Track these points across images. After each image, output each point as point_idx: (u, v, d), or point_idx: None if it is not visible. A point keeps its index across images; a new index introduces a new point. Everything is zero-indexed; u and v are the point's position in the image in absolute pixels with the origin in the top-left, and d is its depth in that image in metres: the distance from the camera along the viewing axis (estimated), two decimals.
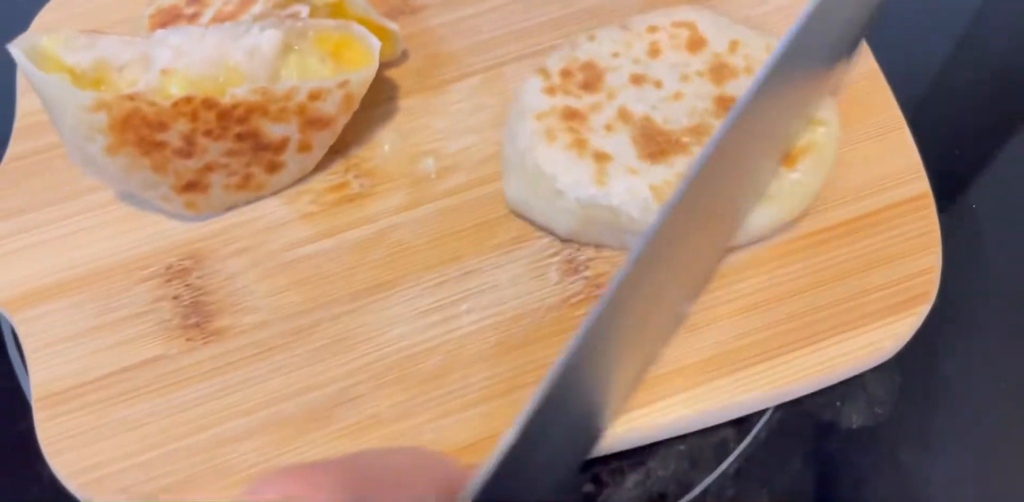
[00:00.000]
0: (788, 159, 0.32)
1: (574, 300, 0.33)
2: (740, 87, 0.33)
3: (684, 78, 0.34)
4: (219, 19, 0.36)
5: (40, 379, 0.33)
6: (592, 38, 0.36)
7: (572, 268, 0.34)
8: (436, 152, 0.37)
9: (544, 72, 0.35)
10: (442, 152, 0.37)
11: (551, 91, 0.34)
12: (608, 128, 0.33)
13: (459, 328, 0.33)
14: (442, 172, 0.37)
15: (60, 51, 0.32)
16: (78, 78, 0.33)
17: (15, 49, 0.32)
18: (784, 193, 0.32)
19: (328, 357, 0.33)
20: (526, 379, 0.31)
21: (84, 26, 0.41)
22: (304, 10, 0.36)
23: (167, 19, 0.36)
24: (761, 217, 0.32)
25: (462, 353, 0.32)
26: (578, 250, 0.34)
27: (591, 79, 0.35)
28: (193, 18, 0.36)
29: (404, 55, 0.40)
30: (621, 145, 0.33)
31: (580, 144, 0.33)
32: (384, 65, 0.39)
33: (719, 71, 0.34)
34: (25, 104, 0.40)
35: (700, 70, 0.34)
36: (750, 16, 0.39)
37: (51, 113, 0.33)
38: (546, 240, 0.34)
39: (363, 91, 0.35)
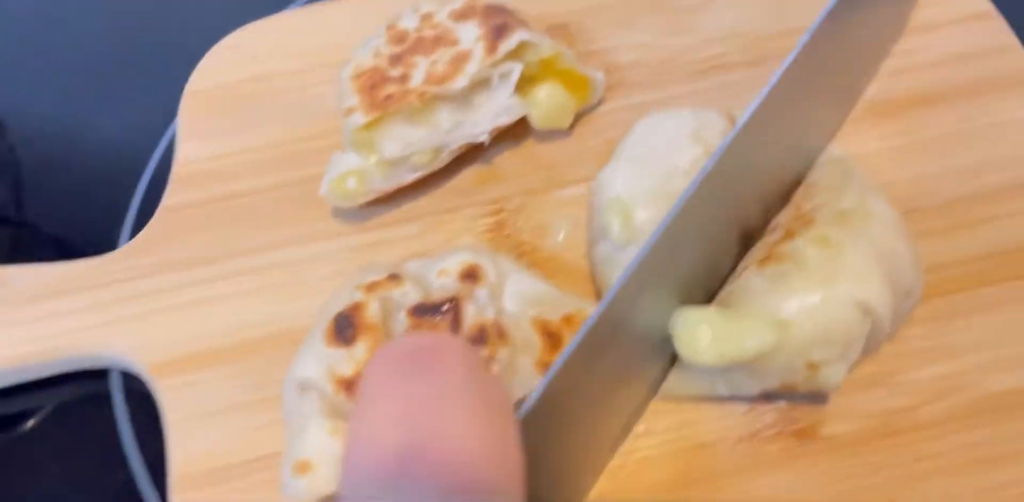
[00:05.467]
0: None
1: (766, 433, 0.30)
2: None
3: None
4: (432, 81, 0.34)
5: (181, 456, 0.31)
6: None
7: (764, 396, 0.31)
8: None
9: None
10: None
11: None
12: None
13: (636, 452, 0.30)
14: None
15: None
16: None
17: None
18: None
19: None
20: None
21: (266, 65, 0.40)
22: (518, 68, 0.34)
23: (374, 81, 0.34)
24: None
25: (639, 481, 0.30)
26: None
27: None
28: (403, 80, 0.34)
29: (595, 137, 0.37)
30: None
31: None
32: (570, 142, 0.37)
33: None
34: (184, 152, 0.38)
35: None
36: None
37: None
38: None
39: None
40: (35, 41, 0.47)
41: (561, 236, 0.35)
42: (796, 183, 0.32)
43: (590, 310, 0.31)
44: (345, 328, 0.30)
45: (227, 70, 0.41)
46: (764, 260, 0.29)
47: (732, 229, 0.30)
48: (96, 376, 0.35)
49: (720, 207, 0.27)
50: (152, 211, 0.37)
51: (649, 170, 0.31)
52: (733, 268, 0.31)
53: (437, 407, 0.16)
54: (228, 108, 0.39)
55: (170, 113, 0.40)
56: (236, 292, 0.35)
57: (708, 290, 0.30)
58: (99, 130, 0.42)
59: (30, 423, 0.35)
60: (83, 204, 0.41)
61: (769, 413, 0.31)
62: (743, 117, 0.27)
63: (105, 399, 0.35)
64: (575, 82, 0.36)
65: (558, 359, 0.22)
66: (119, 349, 0.34)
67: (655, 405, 0.31)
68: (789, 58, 0.27)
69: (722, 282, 0.31)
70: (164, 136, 0.41)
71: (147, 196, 0.40)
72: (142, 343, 0.34)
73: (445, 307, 0.30)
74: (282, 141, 0.38)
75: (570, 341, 0.26)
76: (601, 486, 0.29)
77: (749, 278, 0.29)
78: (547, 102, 0.36)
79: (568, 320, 0.31)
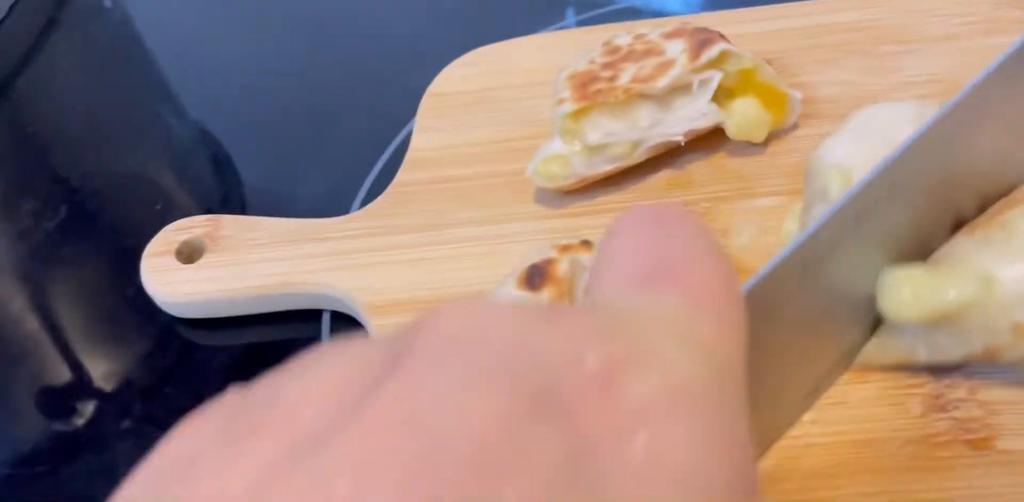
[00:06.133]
0: None
1: (937, 440, 0.30)
2: None
3: None
4: (637, 81, 0.38)
5: None
6: None
7: (939, 405, 0.31)
8: None
9: None
10: None
11: None
12: None
13: (805, 436, 0.31)
14: None
15: None
16: None
17: None
18: None
19: None
20: None
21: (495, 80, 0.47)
22: (717, 76, 0.38)
23: (586, 80, 0.40)
24: None
25: (799, 463, 0.31)
26: (948, 387, 0.32)
27: None
28: (612, 80, 0.39)
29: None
30: None
31: None
32: (762, 158, 0.41)
33: None
34: (417, 141, 0.45)
35: None
36: None
37: None
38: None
39: None
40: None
41: (745, 238, 0.38)
42: (1011, 187, 0.33)
43: None
44: (535, 276, 0.34)
45: (461, 80, 0.48)
46: (972, 227, 0.30)
47: (945, 210, 0.30)
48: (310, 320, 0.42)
49: (934, 180, 0.29)
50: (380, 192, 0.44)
51: (870, 143, 0.33)
52: None
53: (683, 247, 0.17)
54: (457, 110, 0.46)
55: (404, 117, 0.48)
56: (447, 256, 0.40)
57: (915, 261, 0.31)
58: (338, 132, 0.51)
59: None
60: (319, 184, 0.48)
61: (943, 420, 0.31)
62: (967, 87, 0.27)
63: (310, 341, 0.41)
64: (773, 99, 0.40)
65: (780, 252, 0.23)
66: (344, 288, 0.39)
67: (826, 398, 0.32)
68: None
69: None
70: (400, 133, 0.49)
71: (377, 180, 0.47)
72: (365, 286, 0.39)
73: None
74: (497, 140, 0.45)
75: None
76: (764, 461, 0.31)
77: (956, 243, 0.30)
78: (743, 113, 0.39)
79: None
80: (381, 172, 0.47)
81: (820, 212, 0.33)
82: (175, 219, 0.43)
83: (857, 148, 0.33)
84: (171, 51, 0.60)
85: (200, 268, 0.42)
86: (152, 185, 0.52)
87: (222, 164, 0.53)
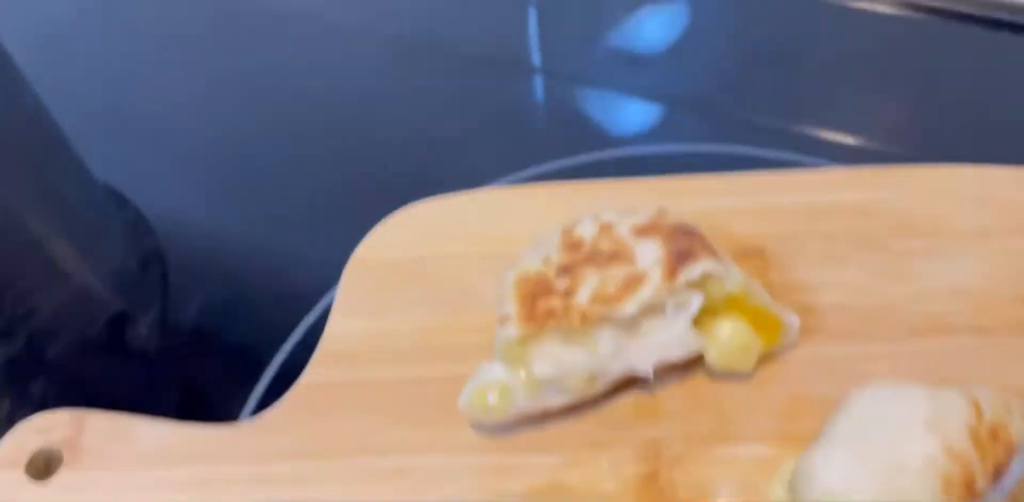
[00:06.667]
0: None
1: None
2: None
3: None
4: (599, 300, 0.31)
5: None
6: None
7: None
8: None
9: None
10: None
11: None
12: None
13: None
14: None
15: None
16: None
17: None
18: None
19: None
20: None
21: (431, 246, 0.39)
22: (697, 300, 0.31)
23: (537, 291, 0.32)
24: None
25: None
26: None
27: None
28: (568, 294, 0.32)
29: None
30: None
31: None
32: (748, 389, 0.33)
33: None
34: (336, 325, 0.37)
35: None
36: None
37: None
38: None
39: None
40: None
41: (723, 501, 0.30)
42: None
43: None
44: None
45: (389, 245, 0.39)
46: None
47: None
48: None
49: None
50: (286, 374, 0.36)
51: (871, 462, 0.26)
52: None
53: None
54: (387, 285, 0.38)
55: (327, 278, 0.40)
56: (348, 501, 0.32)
57: None
58: (261, 279, 0.43)
59: None
60: (221, 351, 0.40)
61: None
62: None
63: None
64: (764, 322, 0.32)
65: None
66: None
67: None
68: None
69: None
70: (319, 302, 0.41)
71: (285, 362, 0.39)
72: None
73: None
74: (434, 330, 0.36)
75: None
76: None
77: None
78: (729, 342, 0.32)
79: None
80: (291, 355, 0.39)
81: None
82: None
83: (855, 471, 0.26)
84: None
85: (52, 490, 0.33)
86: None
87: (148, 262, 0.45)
